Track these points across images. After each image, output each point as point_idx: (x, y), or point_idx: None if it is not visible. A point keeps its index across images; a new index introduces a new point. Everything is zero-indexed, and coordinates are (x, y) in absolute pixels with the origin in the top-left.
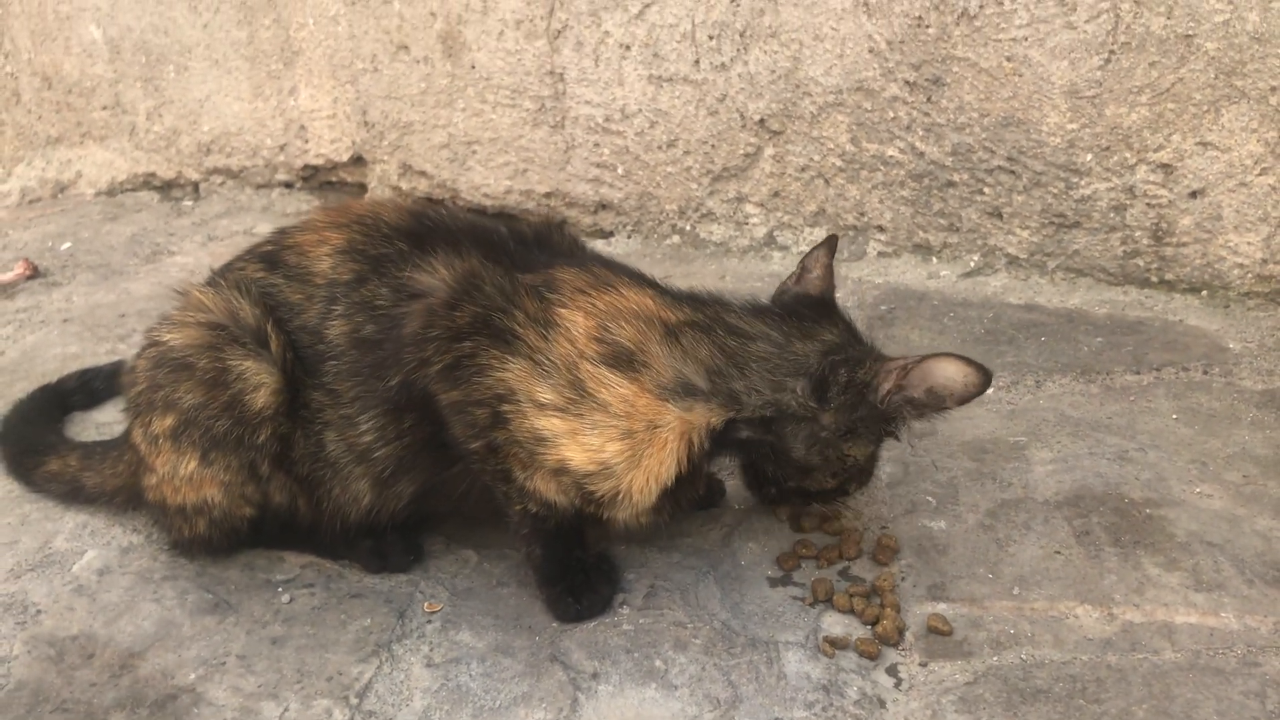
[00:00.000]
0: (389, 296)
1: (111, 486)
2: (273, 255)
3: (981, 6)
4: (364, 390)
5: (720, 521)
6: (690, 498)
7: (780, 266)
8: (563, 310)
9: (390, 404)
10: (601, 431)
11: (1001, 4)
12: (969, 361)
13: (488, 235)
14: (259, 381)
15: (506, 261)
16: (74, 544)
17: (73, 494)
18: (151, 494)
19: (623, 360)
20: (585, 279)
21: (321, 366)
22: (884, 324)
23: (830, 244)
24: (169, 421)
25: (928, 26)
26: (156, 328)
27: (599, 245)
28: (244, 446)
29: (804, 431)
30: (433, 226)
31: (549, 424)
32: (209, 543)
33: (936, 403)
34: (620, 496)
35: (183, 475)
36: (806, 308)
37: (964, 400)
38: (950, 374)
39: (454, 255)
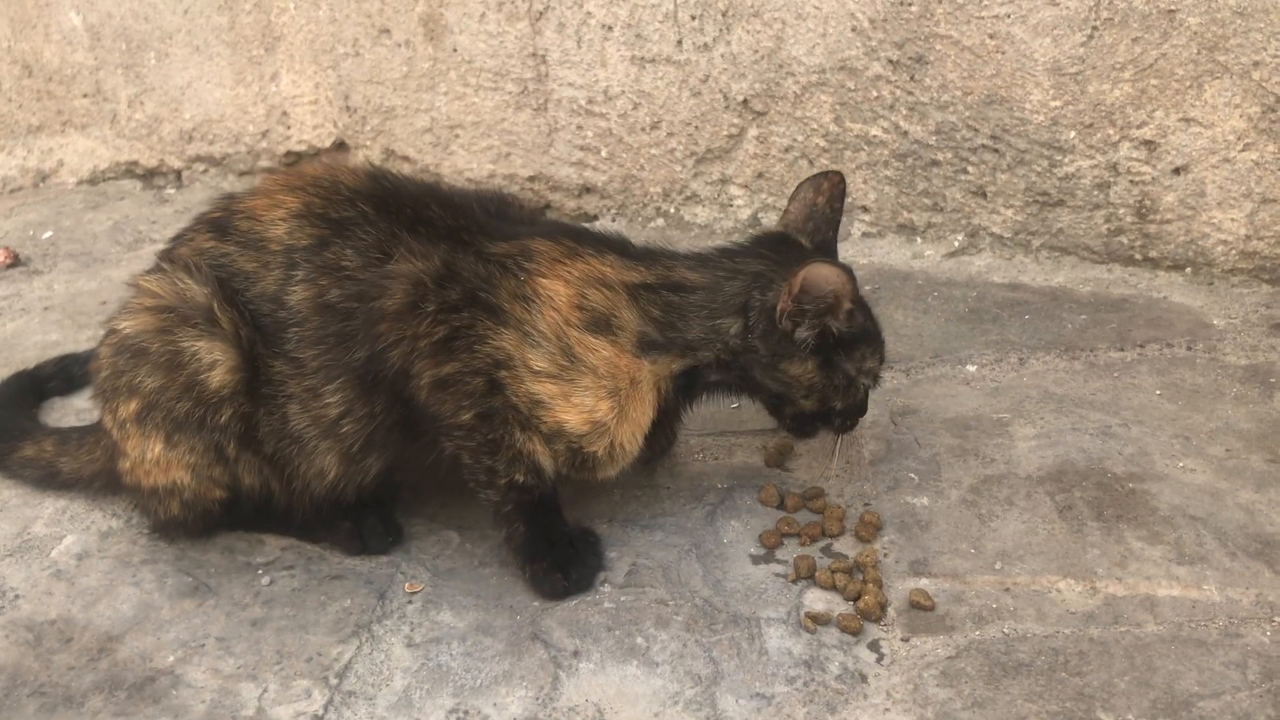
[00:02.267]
0: (355, 259)
1: (88, 472)
2: (223, 223)
3: None
4: (329, 359)
5: (703, 500)
6: (663, 443)
7: None
8: (543, 280)
9: (357, 378)
10: (593, 392)
11: None
12: (830, 263)
13: (450, 198)
14: (213, 360)
15: (474, 226)
16: (53, 529)
17: (48, 479)
18: (127, 477)
19: (601, 325)
20: (559, 249)
21: (283, 335)
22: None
23: (814, 181)
24: (133, 406)
25: (910, 4)
26: (114, 316)
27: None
28: (207, 428)
29: (755, 362)
30: (394, 189)
31: (544, 388)
32: (184, 524)
33: (834, 307)
34: (614, 452)
35: (151, 458)
36: (755, 245)
37: (852, 299)
38: (824, 275)
39: (426, 244)
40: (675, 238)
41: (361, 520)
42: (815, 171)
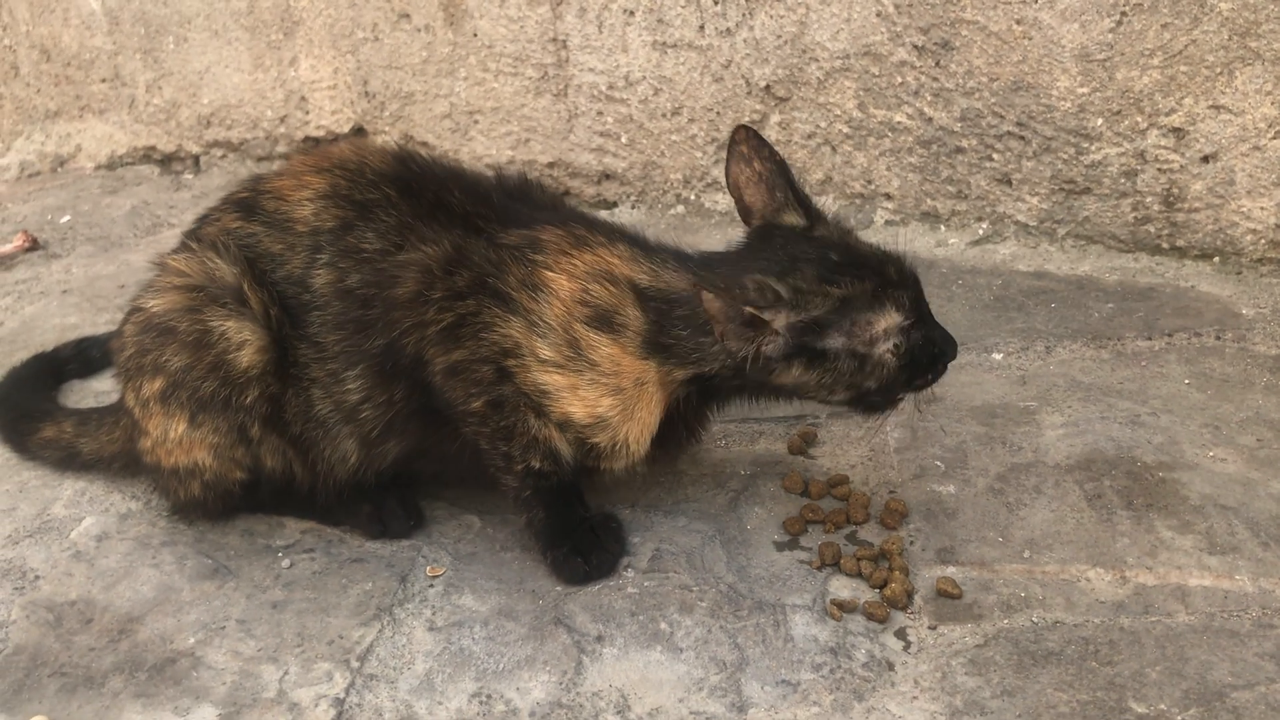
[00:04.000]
0: (375, 243)
1: (108, 452)
2: (250, 202)
3: None
4: (349, 345)
5: (726, 486)
6: (682, 443)
7: None
8: (548, 273)
9: (376, 365)
10: (596, 387)
11: None
12: (704, 288)
13: (474, 183)
14: (241, 340)
15: (491, 213)
16: (72, 510)
17: (68, 460)
18: (148, 457)
19: (604, 321)
20: (568, 239)
21: (306, 317)
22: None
23: (735, 155)
24: (158, 385)
25: None
26: (139, 295)
27: (603, 216)
28: (231, 408)
29: (758, 374)
30: (419, 172)
31: (551, 379)
32: (204, 505)
33: (753, 321)
34: (618, 447)
35: (173, 438)
36: (735, 250)
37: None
38: (707, 301)
39: (438, 230)
40: (696, 224)
41: (382, 504)
42: (838, 159)
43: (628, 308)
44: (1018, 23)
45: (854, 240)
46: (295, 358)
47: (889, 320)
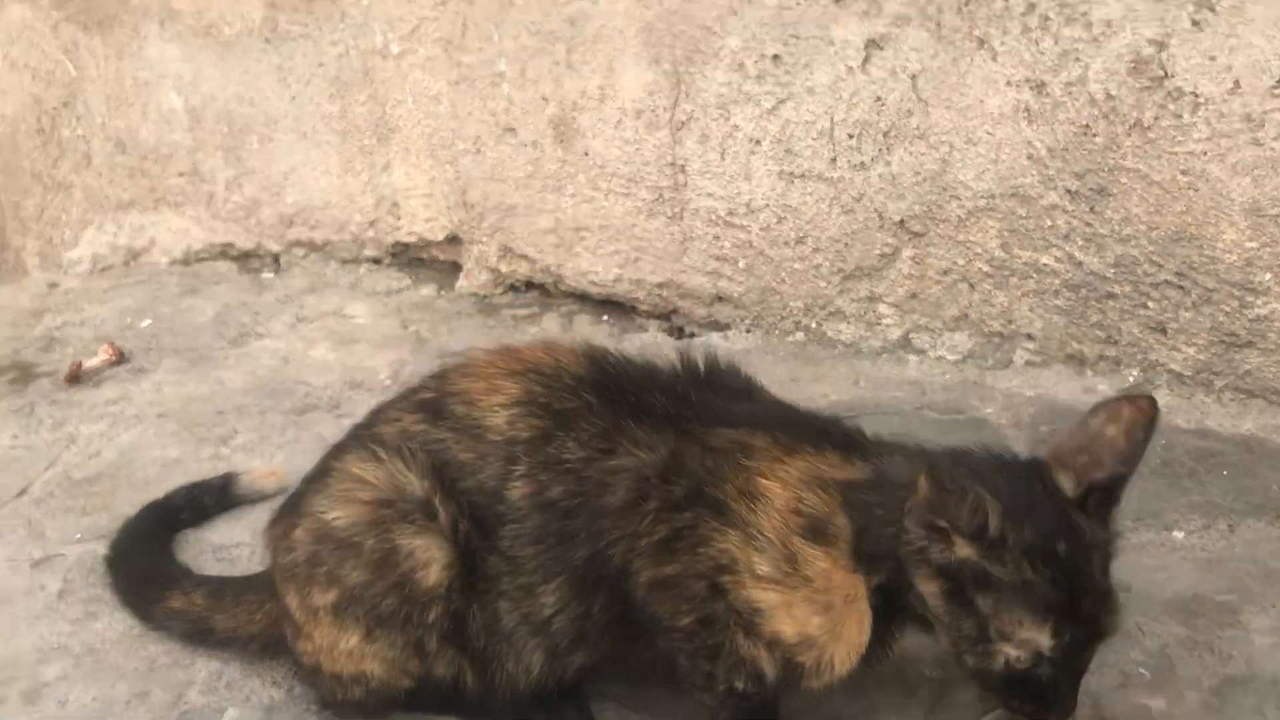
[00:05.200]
0: (577, 451)
1: (246, 632)
2: (436, 405)
3: (1157, 119)
4: (549, 558)
5: (916, 695)
6: (880, 658)
7: (917, 372)
8: (764, 481)
9: (577, 577)
10: (809, 604)
11: (1180, 117)
12: (930, 472)
13: (670, 381)
14: (429, 559)
15: (693, 414)
16: (210, 698)
17: (199, 635)
18: (307, 659)
19: (818, 533)
20: (780, 448)
21: (499, 530)
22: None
23: (1111, 406)
24: (331, 597)
25: (1095, 135)
26: (313, 500)
27: (714, 339)
28: (411, 624)
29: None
30: (616, 373)
31: (766, 596)
32: (363, 707)
33: (944, 536)
34: (822, 666)
35: (344, 649)
36: (997, 459)
37: (975, 535)
38: (923, 492)
39: (651, 434)
40: (817, 354)
41: (560, 714)
42: (975, 297)
43: (837, 515)
44: (1183, 173)
45: (1102, 556)
46: (483, 570)
47: (1036, 636)
